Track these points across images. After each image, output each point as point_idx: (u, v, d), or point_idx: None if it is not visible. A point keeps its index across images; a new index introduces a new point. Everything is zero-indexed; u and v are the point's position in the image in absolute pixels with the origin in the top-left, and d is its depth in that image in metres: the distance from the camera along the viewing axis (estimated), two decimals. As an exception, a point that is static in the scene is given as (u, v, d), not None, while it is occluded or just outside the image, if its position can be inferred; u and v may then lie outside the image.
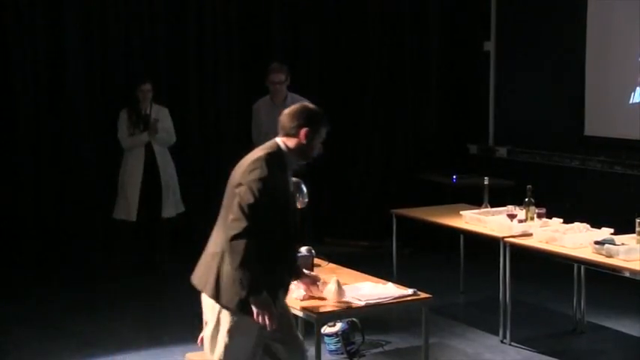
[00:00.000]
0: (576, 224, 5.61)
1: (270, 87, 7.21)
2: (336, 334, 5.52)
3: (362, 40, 8.92)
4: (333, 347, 5.54)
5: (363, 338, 5.62)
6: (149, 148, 7.50)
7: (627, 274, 4.91)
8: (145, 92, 7.43)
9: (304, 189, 4.88)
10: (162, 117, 7.54)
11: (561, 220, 5.79)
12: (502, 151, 8.67)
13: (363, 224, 8.83)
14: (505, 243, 5.63)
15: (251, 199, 3.65)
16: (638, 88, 7.32)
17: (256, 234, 3.63)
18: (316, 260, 4.87)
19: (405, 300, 4.27)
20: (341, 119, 8.72)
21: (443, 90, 9.15)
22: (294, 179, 4.92)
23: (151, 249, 7.76)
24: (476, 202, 6.46)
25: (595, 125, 7.74)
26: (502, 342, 5.79)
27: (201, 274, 3.86)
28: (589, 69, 7.72)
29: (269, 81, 7.19)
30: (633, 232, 5.17)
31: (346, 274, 4.77)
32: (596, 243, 5.11)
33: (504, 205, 5.99)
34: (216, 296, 3.78)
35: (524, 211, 5.82)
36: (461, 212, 6.20)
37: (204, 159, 8.33)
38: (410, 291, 4.32)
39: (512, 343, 5.78)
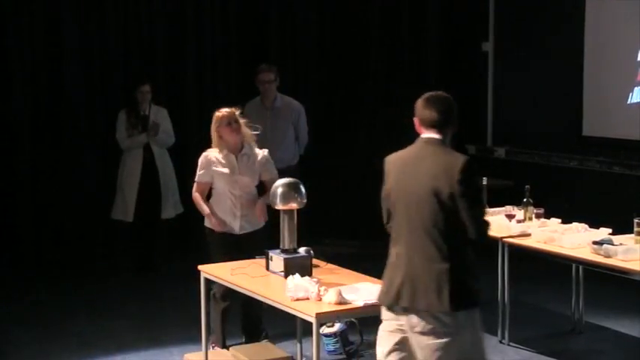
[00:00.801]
0: (575, 224, 5.61)
1: (259, 87, 7.22)
2: (334, 335, 5.52)
3: (360, 39, 8.92)
4: (331, 347, 5.55)
5: (362, 338, 5.62)
6: (148, 149, 7.50)
7: (626, 274, 4.91)
8: (144, 93, 7.43)
9: (302, 189, 4.89)
10: (161, 118, 7.55)
11: (560, 221, 5.79)
12: (500, 152, 8.67)
13: (361, 225, 8.83)
14: (503, 243, 5.63)
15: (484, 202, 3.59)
16: (636, 88, 7.33)
17: None
18: (315, 261, 4.87)
19: (403, 300, 4.26)
20: (339, 119, 8.75)
21: (441, 90, 9.12)
22: (292, 180, 4.94)
23: (150, 250, 7.76)
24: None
25: (593, 125, 7.74)
26: (501, 342, 5.79)
27: (429, 297, 3.51)
28: (587, 69, 7.73)
29: (258, 81, 7.19)
30: (631, 232, 5.17)
31: (345, 274, 4.77)
32: (595, 243, 5.12)
33: (503, 206, 5.99)
34: (456, 305, 3.49)
35: (522, 211, 5.82)
36: (459, 212, 6.18)
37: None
38: (408, 291, 4.31)
39: (511, 344, 5.78)
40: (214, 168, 5.36)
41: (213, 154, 5.40)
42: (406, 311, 3.56)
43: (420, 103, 3.88)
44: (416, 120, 3.88)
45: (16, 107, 7.70)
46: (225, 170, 5.34)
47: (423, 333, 3.53)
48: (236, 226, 5.37)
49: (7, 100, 7.68)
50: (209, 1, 8.40)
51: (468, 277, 3.59)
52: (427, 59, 9.07)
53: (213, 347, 5.45)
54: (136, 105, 7.47)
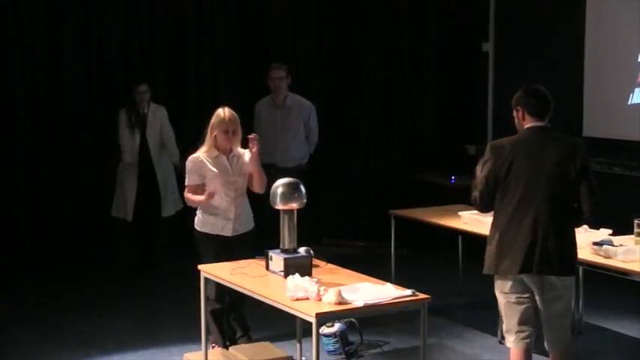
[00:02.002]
0: (575, 225, 5.60)
1: (270, 84, 7.26)
2: (334, 335, 5.52)
3: (361, 40, 8.92)
4: (331, 347, 5.55)
5: (362, 339, 5.62)
6: (145, 148, 7.50)
7: (626, 275, 4.91)
8: (142, 93, 7.46)
9: (302, 189, 4.89)
10: (159, 115, 7.57)
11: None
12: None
13: (361, 225, 8.83)
14: (503, 244, 5.62)
15: None
16: (636, 89, 7.32)
17: None
18: (315, 261, 4.87)
19: (403, 300, 4.27)
20: (339, 120, 8.75)
21: (441, 91, 9.15)
22: (292, 180, 4.93)
23: (149, 248, 7.76)
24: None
25: (594, 126, 7.73)
26: (500, 343, 5.77)
27: (557, 262, 4.25)
28: (587, 70, 7.72)
29: (270, 77, 7.23)
30: (632, 233, 5.17)
31: (345, 274, 4.77)
32: (595, 244, 5.11)
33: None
34: (573, 270, 4.37)
35: (522, 211, 5.81)
36: (459, 213, 6.20)
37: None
38: (408, 291, 4.31)
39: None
40: (207, 171, 5.27)
41: (202, 156, 5.29)
42: (538, 273, 4.23)
43: (523, 96, 4.46)
44: (519, 111, 4.44)
45: (16, 106, 7.70)
46: (219, 172, 5.28)
47: (550, 293, 4.29)
48: (229, 229, 5.34)
49: (7, 99, 7.68)
50: (209, 1, 8.39)
51: (575, 247, 4.36)
52: (427, 59, 9.07)
53: (213, 347, 5.44)
54: (135, 104, 7.48)
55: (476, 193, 4.38)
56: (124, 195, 7.54)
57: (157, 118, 7.54)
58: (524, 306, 4.36)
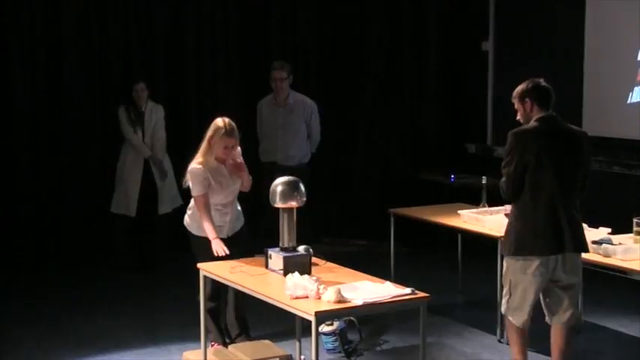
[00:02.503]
0: (574, 224, 5.60)
1: (272, 84, 7.25)
2: (333, 333, 5.52)
3: (360, 39, 8.92)
4: (330, 346, 5.55)
5: (361, 337, 5.62)
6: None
7: (625, 274, 4.91)
8: (139, 92, 7.49)
9: (302, 188, 4.88)
10: (156, 113, 7.61)
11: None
12: (500, 151, 8.59)
13: (361, 223, 8.83)
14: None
15: None
16: (636, 87, 7.32)
17: None
18: (314, 259, 4.87)
19: (402, 299, 4.27)
20: (339, 118, 8.75)
21: (441, 90, 9.16)
22: (291, 178, 4.93)
23: (148, 247, 7.76)
24: (474, 201, 6.46)
25: (593, 125, 7.72)
26: (499, 341, 5.79)
27: (579, 240, 4.71)
28: (587, 69, 7.72)
29: (271, 78, 7.23)
30: (631, 231, 5.17)
31: (344, 273, 4.77)
32: (594, 243, 5.11)
33: (502, 205, 5.98)
34: (587, 247, 4.81)
35: (522, 210, 5.81)
36: (459, 212, 6.20)
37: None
38: (408, 290, 4.32)
39: (510, 343, 5.78)
40: (210, 182, 5.20)
41: (203, 167, 5.19)
42: (568, 251, 4.63)
43: (531, 88, 4.81)
44: (526, 102, 4.76)
45: (16, 103, 7.70)
46: (220, 185, 5.24)
47: (572, 269, 4.68)
48: (225, 232, 5.33)
49: (8, 95, 7.67)
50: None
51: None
52: (427, 58, 9.08)
53: (212, 345, 5.44)
54: (133, 102, 7.52)
55: (503, 181, 4.70)
56: (126, 190, 7.55)
57: (153, 116, 7.58)
58: (543, 286, 4.70)
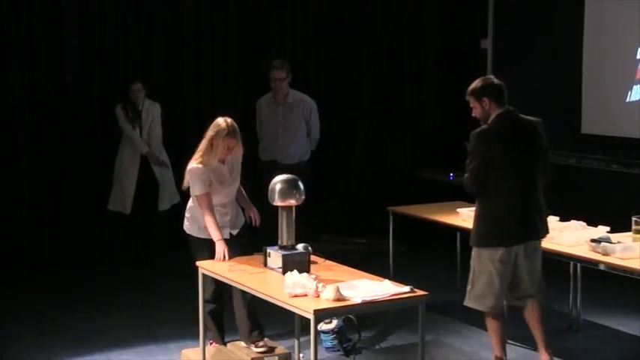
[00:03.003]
0: (573, 222, 5.62)
1: (271, 84, 7.24)
2: (332, 331, 5.52)
3: (359, 37, 8.91)
4: (329, 344, 5.55)
5: (360, 335, 5.62)
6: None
7: (624, 273, 4.91)
8: (136, 92, 7.54)
9: (301, 186, 4.88)
10: (153, 111, 7.63)
11: (558, 218, 5.79)
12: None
13: (360, 221, 8.83)
14: (502, 241, 5.64)
15: None
16: (635, 86, 7.32)
17: None
18: (313, 257, 4.87)
19: (401, 297, 4.27)
20: (338, 117, 8.75)
21: (440, 88, 9.15)
22: (290, 176, 4.92)
23: (147, 244, 7.76)
24: (473, 199, 6.41)
25: (592, 123, 7.74)
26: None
27: (543, 227, 5.03)
28: (586, 67, 7.72)
29: (270, 78, 7.21)
30: (630, 230, 5.17)
31: (343, 271, 4.77)
32: (593, 241, 5.12)
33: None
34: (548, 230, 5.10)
35: (520, 208, 5.82)
36: (458, 210, 6.21)
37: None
38: (406, 288, 4.32)
39: (509, 341, 5.75)
40: (212, 182, 5.15)
41: (204, 165, 5.13)
42: (523, 241, 4.92)
43: (487, 87, 4.97)
44: (484, 101, 4.95)
45: (15, 101, 7.69)
46: (220, 184, 5.19)
47: (533, 252, 4.98)
48: (226, 233, 5.27)
49: (6, 94, 7.67)
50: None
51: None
52: (426, 56, 9.08)
53: (211, 344, 5.44)
54: (130, 101, 7.55)
55: (467, 177, 4.97)
56: (123, 188, 7.55)
57: (150, 114, 7.59)
58: (509, 273, 4.95)
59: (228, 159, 5.27)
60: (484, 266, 4.96)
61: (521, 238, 4.93)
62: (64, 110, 7.87)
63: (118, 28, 8.01)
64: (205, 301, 5.18)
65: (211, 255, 5.10)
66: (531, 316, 5.11)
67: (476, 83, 5.03)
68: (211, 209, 5.13)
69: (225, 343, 5.46)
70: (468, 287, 5.09)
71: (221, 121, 5.14)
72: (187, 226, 5.37)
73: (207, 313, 5.23)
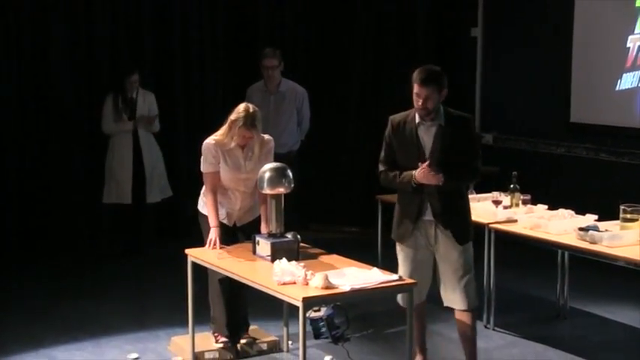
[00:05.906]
0: (561, 211, 5.63)
1: (263, 73, 7.19)
2: (321, 319, 5.54)
3: (349, 25, 8.89)
4: (318, 332, 5.56)
5: (348, 323, 5.64)
6: (135, 134, 7.51)
7: (611, 261, 4.94)
8: (133, 83, 7.48)
9: (290, 174, 4.88)
10: (149, 102, 7.58)
11: (546, 207, 5.81)
12: (488, 138, 8.68)
13: (349, 210, 8.84)
14: (490, 229, 5.65)
15: None
16: (624, 74, 7.34)
17: None
18: (302, 246, 4.87)
19: (390, 285, 4.29)
20: (328, 105, 8.74)
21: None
22: (279, 164, 4.92)
23: (136, 234, 7.75)
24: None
25: (581, 112, 7.76)
26: (486, 327, 5.83)
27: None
28: (576, 56, 7.73)
29: (262, 66, 7.16)
30: (617, 218, 5.19)
31: (332, 259, 4.78)
32: (581, 229, 5.14)
33: (489, 192, 6.01)
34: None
35: (509, 197, 5.84)
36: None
37: (191, 144, 8.30)
38: (395, 276, 4.34)
39: (496, 329, 5.81)
40: (220, 163, 5.05)
41: (217, 145, 5.02)
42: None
43: (445, 76, 4.80)
44: (445, 92, 4.79)
45: (2, 94, 7.61)
46: (230, 168, 5.06)
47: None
48: (232, 219, 5.22)
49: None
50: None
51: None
52: (416, 45, 9.05)
53: (216, 337, 5.31)
54: (123, 91, 7.47)
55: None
56: (118, 180, 7.50)
57: (146, 103, 7.55)
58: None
59: (254, 148, 5.08)
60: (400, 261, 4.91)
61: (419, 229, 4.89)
62: (52, 101, 7.81)
63: (105, 18, 7.96)
64: (220, 284, 5.14)
65: (221, 238, 5.03)
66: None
67: (433, 71, 4.75)
68: (214, 191, 5.05)
69: (237, 341, 5.33)
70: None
71: (241, 109, 5.00)
72: (201, 205, 5.25)
73: (216, 281, 5.14)
